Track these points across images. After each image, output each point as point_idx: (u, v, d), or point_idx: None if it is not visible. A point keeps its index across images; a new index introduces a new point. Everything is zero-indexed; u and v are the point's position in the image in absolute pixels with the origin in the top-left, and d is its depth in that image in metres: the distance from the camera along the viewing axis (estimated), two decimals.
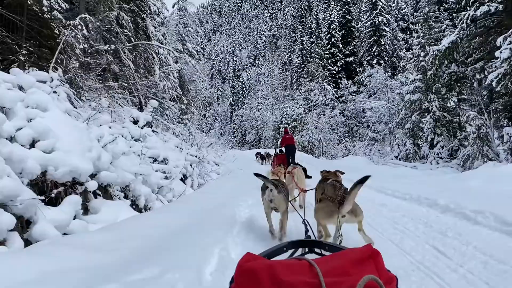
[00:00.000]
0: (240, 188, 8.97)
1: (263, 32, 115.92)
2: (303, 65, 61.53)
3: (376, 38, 51.59)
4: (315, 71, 50.49)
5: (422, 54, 20.06)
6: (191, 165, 11.50)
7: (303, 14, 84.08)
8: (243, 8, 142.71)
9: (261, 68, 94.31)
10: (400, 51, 54.44)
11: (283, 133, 16.40)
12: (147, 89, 15.02)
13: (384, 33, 52.00)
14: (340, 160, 17.58)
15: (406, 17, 59.98)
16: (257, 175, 4.42)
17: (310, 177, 7.84)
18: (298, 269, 1.03)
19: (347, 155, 24.82)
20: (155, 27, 18.25)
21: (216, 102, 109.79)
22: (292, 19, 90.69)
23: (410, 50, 44.24)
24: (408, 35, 57.31)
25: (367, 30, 52.44)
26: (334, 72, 52.83)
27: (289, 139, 15.41)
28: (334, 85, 50.65)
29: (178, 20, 31.73)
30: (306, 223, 3.11)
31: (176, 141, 12.25)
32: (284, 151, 15.50)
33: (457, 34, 16.91)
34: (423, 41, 20.10)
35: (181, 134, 14.80)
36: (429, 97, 19.65)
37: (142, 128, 10.95)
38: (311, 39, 64.94)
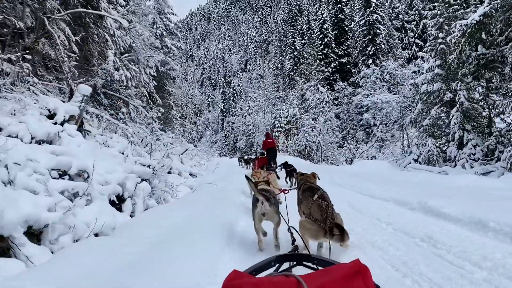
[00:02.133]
0: (190, 228, 5.25)
1: (253, 37, 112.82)
2: (295, 67, 58.38)
3: (370, 37, 48.80)
4: (309, 73, 47.26)
5: (440, 35, 16.47)
6: (143, 180, 7.69)
7: (294, 17, 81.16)
8: (232, 14, 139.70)
9: (252, 73, 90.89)
10: (396, 50, 51.67)
11: (264, 137, 16.21)
12: (92, 78, 11.22)
13: (379, 31, 49.21)
14: (354, 166, 14.02)
15: (400, 16, 57.16)
16: (248, 178, 4.54)
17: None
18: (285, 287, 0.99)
19: (351, 161, 21.17)
20: (113, 4, 14.39)
21: (207, 110, 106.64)
22: (283, 23, 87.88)
23: (423, 35, 41.00)
24: (403, 34, 54.70)
25: (361, 29, 49.63)
26: (328, 73, 49.99)
27: (270, 143, 15.14)
28: (329, 87, 47.65)
29: (155, 10, 28.15)
30: (292, 231, 3.05)
31: (122, 145, 8.42)
32: (266, 154, 15.25)
33: (490, 4, 13.39)
34: (441, 20, 16.55)
35: (133, 136, 10.93)
36: (451, 86, 16.05)
37: (62, 125, 7.17)
38: (303, 41, 62.17)
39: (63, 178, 5.61)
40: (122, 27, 13.00)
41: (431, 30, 17.26)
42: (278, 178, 9.43)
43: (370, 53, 48.52)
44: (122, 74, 13.33)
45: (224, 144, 78.34)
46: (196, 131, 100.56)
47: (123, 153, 8.27)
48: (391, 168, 12.56)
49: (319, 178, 5.27)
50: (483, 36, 14.63)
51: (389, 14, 56.63)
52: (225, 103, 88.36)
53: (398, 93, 21.35)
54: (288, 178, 12.27)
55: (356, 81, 44.74)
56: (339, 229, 3.54)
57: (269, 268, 1.52)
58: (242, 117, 57.58)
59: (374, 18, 48.26)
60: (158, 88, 29.46)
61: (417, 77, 18.32)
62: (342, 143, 32.53)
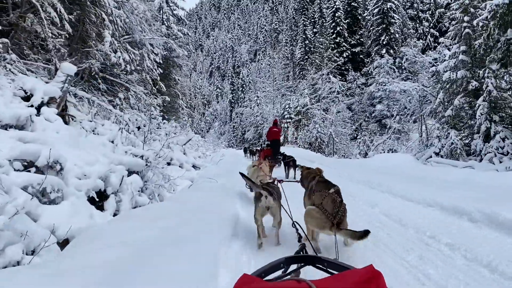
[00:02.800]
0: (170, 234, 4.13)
1: (263, 27, 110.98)
2: (306, 57, 56.97)
3: (384, 26, 47.29)
4: (320, 62, 45.93)
5: (466, 18, 15.17)
6: (133, 173, 6.72)
7: (305, 6, 79.23)
8: (242, 3, 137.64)
9: (261, 64, 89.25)
10: (411, 40, 50.03)
11: (272, 125, 15.73)
12: (87, 60, 10.24)
13: (393, 20, 47.68)
14: (374, 160, 12.76)
15: (415, 5, 55.28)
16: (243, 176, 4.49)
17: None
18: None
19: (365, 154, 20.00)
20: None
21: (215, 100, 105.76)
22: (294, 12, 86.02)
23: (442, 22, 39.62)
24: (418, 24, 52.99)
25: (374, 18, 48.12)
26: (340, 63, 48.63)
27: (275, 133, 14.94)
28: (341, 77, 46.35)
29: None
30: (297, 226, 2.91)
31: (113, 133, 7.45)
32: (270, 146, 15.05)
33: None
34: (467, 2, 15.19)
35: (129, 124, 9.93)
36: (477, 73, 14.81)
37: (39, 108, 6.24)
38: (315, 29, 60.65)
39: (29, 171, 4.65)
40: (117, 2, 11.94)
41: (455, 13, 15.92)
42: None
43: (384, 42, 47.04)
44: (119, 57, 12.32)
45: (232, 136, 77.35)
46: (204, 122, 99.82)
47: (112, 142, 7.31)
48: (416, 162, 11.40)
49: (322, 171, 5.06)
50: None
51: (404, 3, 54.85)
52: (234, 94, 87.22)
53: (418, 81, 20.03)
54: (287, 169, 11.49)
55: (369, 71, 43.43)
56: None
57: (278, 270, 1.48)
58: (250, 108, 56.42)
59: (388, 6, 46.71)
60: (164, 76, 28.47)
61: (438, 65, 17.03)
62: (355, 135, 31.30)
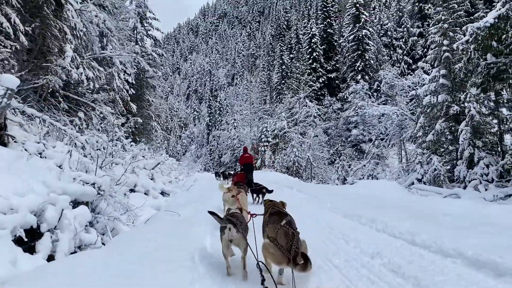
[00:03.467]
0: None
1: (241, 51, 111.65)
2: (283, 81, 57.14)
3: (360, 52, 48.10)
4: (296, 87, 45.90)
5: (445, 42, 14.94)
6: (78, 203, 5.62)
7: (282, 33, 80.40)
8: (220, 28, 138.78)
9: (239, 88, 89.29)
10: (386, 67, 50.92)
11: (242, 152, 16.11)
12: (44, 77, 9.15)
13: (368, 47, 48.63)
14: (356, 187, 11.80)
15: (389, 33, 56.64)
16: (211, 213, 4.40)
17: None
18: None
19: (344, 179, 19.25)
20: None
21: (192, 123, 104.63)
22: (271, 38, 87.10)
23: (424, 44, 40.22)
24: (392, 51, 54.14)
25: (350, 44, 48.95)
26: (316, 88, 48.81)
27: (248, 157, 14.96)
28: (317, 102, 46.38)
29: (136, 13, 26.20)
30: (261, 267, 3.12)
31: (60, 157, 6.35)
32: (243, 170, 14.90)
33: (506, 4, 11.96)
34: (445, 26, 15.01)
35: (85, 146, 8.78)
36: (458, 97, 14.48)
37: None
38: (291, 55, 61.29)
39: None
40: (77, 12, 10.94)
41: (434, 37, 15.71)
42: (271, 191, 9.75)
43: (359, 68, 47.67)
44: (82, 73, 11.26)
45: (209, 159, 75.98)
46: (180, 144, 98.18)
47: (60, 166, 6.21)
48: (402, 191, 10.64)
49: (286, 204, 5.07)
50: (494, 43, 13.14)
51: (378, 31, 56.12)
52: (211, 117, 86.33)
53: (397, 105, 19.68)
54: (256, 197, 10.68)
55: (345, 96, 43.67)
56: (303, 257, 3.48)
57: None
58: (228, 131, 55.57)
59: (364, 33, 47.58)
60: (137, 97, 27.37)
61: (417, 89, 16.69)
62: (333, 159, 30.71)
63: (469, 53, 13.50)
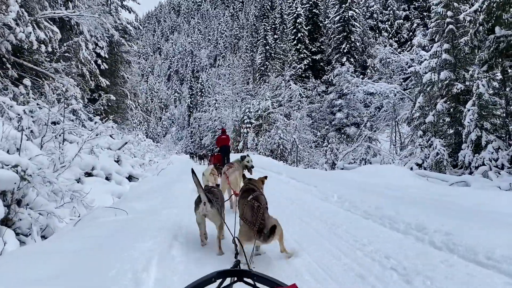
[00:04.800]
0: None
1: (223, 32, 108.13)
2: (266, 63, 55.24)
3: (345, 34, 46.67)
4: (280, 68, 44.13)
5: (449, 13, 13.42)
6: None
7: (266, 13, 77.99)
8: (203, 8, 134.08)
9: (221, 69, 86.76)
10: (371, 49, 49.78)
11: (220, 133, 15.79)
12: None
13: (354, 29, 47.24)
14: (357, 172, 9.98)
15: (375, 15, 55.34)
16: (193, 173, 3.97)
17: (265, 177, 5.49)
18: None
19: (333, 163, 17.73)
20: None
21: (173, 105, 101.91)
22: (254, 19, 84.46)
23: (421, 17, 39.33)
24: (377, 34, 52.93)
25: (335, 26, 47.35)
26: (300, 70, 47.19)
27: (225, 139, 14.88)
28: (301, 84, 44.83)
29: None
30: (236, 242, 3.06)
31: None
32: (220, 152, 15.14)
33: None
34: None
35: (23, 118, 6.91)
36: (462, 75, 13.08)
37: None
38: (275, 36, 59.23)
39: None
40: None
41: (436, 8, 14.14)
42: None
43: (345, 50, 46.28)
44: (31, 33, 9.25)
45: (190, 141, 73.93)
46: (161, 126, 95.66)
47: None
48: (417, 178, 9.05)
49: (266, 178, 4.89)
50: (504, 15, 11.71)
51: (364, 13, 54.65)
52: (192, 99, 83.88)
53: (392, 84, 18.16)
54: None
55: (330, 79, 42.29)
56: (270, 230, 3.40)
57: (209, 284, 1.44)
58: (209, 112, 53.52)
59: (350, 14, 46.02)
60: (110, 73, 25.12)
61: (414, 65, 15.18)
62: (319, 142, 29.28)
63: (477, 25, 12.03)
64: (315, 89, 45.63)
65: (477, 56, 12.15)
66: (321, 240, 4.04)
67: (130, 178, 10.85)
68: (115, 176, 9.16)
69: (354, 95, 40.27)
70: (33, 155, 5.15)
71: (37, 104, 7.41)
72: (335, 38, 47.91)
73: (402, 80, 19.99)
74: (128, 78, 27.79)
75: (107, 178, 8.91)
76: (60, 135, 7.91)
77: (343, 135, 35.49)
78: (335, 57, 47.18)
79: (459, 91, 12.85)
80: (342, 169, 15.61)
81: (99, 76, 18.15)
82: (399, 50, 43.44)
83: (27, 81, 9.29)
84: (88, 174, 8.19)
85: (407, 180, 8.29)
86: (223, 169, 6.55)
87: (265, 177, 4.88)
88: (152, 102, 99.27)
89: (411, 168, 12.19)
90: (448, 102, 13.44)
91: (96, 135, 11.32)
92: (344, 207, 5.47)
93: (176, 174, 11.02)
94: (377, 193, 6.12)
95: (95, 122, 12.16)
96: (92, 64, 17.02)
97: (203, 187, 4.06)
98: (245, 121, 34.99)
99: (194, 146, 67.00)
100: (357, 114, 35.52)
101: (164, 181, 9.06)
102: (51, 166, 6.10)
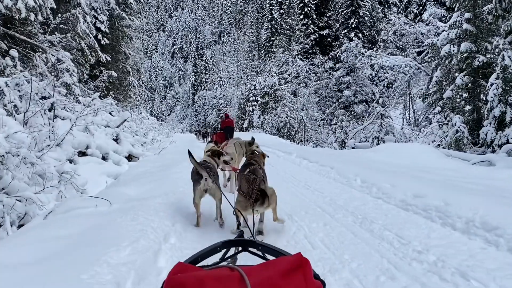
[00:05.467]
0: None
1: (228, 7, 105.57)
2: (272, 38, 53.79)
3: (353, 8, 45.15)
4: (286, 44, 42.87)
5: None
6: None
7: None
8: None
9: (226, 46, 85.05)
10: (380, 24, 48.30)
11: (224, 117, 16.34)
12: None
13: (362, 3, 45.70)
14: (379, 152, 9.07)
15: None
16: (189, 154, 4.14)
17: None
18: (229, 282, 0.98)
19: (342, 142, 16.92)
20: None
21: (177, 83, 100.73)
22: None
23: None
24: (386, 9, 51.24)
25: (343, 0, 45.73)
26: (307, 46, 45.89)
27: (229, 122, 15.24)
28: (308, 60, 43.64)
29: None
30: (237, 213, 3.15)
31: None
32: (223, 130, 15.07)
33: None
34: None
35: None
36: (484, 46, 12.16)
37: None
38: (281, 10, 57.45)
39: None
40: None
41: None
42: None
43: (353, 25, 44.83)
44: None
45: (195, 120, 73.15)
46: (165, 105, 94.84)
47: None
48: (446, 159, 8.27)
49: (268, 156, 5.01)
50: None
51: None
52: (197, 77, 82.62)
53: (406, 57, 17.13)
54: None
55: (337, 55, 41.09)
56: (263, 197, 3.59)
57: (214, 253, 1.50)
58: (213, 90, 52.56)
59: None
60: (112, 48, 24.29)
61: (432, 37, 14.20)
62: (328, 120, 28.40)
63: None
64: (322, 66, 44.51)
65: (502, 26, 11.24)
66: (362, 247, 3.20)
67: (130, 157, 10.22)
68: (112, 156, 8.52)
69: (362, 72, 39.38)
70: (11, 132, 4.50)
71: (24, 76, 6.71)
72: (343, 13, 46.50)
73: (416, 53, 18.95)
74: (130, 54, 26.88)
75: (104, 158, 8.28)
76: (49, 111, 7.24)
77: (351, 112, 34.57)
78: (343, 32, 45.72)
79: (480, 64, 11.95)
80: (353, 148, 14.88)
81: (99, 51, 17.39)
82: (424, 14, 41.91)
83: (14, 52, 8.55)
84: (82, 154, 7.56)
85: (435, 160, 7.51)
86: (221, 145, 6.64)
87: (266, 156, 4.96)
88: (156, 80, 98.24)
89: (428, 145, 11.41)
90: (468, 76, 12.57)
91: (94, 111, 10.67)
92: (372, 193, 4.70)
93: (178, 154, 10.29)
94: (409, 177, 5.31)
95: (93, 99, 11.45)
96: (91, 38, 16.22)
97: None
98: (251, 98, 34.03)
99: (199, 125, 66.32)
100: (368, 90, 34.45)
101: (163, 162, 8.34)
102: (39, 145, 5.48)
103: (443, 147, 11.16)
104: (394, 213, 3.96)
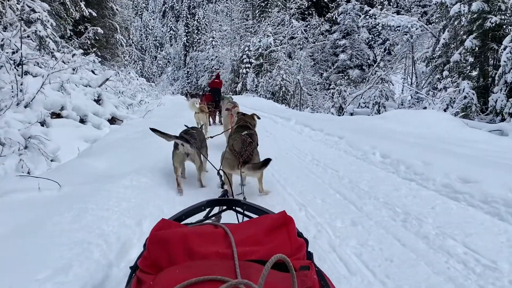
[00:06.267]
0: None
1: None
2: None
3: None
4: (282, 4, 41.00)
5: None
6: None
7: None
8: None
9: (218, 5, 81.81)
10: None
11: (214, 77, 16.00)
12: None
13: None
14: (387, 119, 8.17)
15: None
16: (153, 130, 3.95)
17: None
18: (213, 238, 1.00)
19: (340, 107, 16.08)
20: None
21: (168, 43, 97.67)
22: None
23: None
24: None
25: None
26: (303, 7, 43.99)
27: (217, 83, 14.86)
28: (304, 22, 41.97)
29: None
30: (221, 173, 3.07)
31: None
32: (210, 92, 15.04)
33: None
34: None
35: None
36: (497, 6, 11.28)
37: None
38: None
39: None
40: None
41: None
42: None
43: None
44: None
45: (187, 82, 71.40)
46: (156, 66, 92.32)
47: None
48: (467, 128, 7.45)
49: (259, 118, 4.82)
50: None
51: None
52: (188, 37, 79.89)
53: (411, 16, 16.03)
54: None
55: (334, 17, 39.53)
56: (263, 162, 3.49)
57: (199, 212, 1.50)
58: (205, 51, 50.72)
59: None
60: (97, 3, 22.78)
61: None
62: (325, 85, 27.43)
63: None
64: (318, 28, 42.90)
65: None
66: (424, 271, 2.17)
67: (113, 120, 9.39)
68: (92, 118, 7.68)
69: (359, 35, 38.07)
70: None
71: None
72: None
73: (419, 14, 17.93)
74: (117, 10, 25.27)
75: (82, 121, 7.46)
76: (17, 66, 6.33)
77: (346, 77, 33.59)
78: None
79: (492, 25, 11.08)
80: (351, 114, 14.13)
81: (83, 5, 16.05)
82: None
83: None
84: (57, 116, 6.73)
85: (456, 130, 6.71)
86: (225, 107, 6.89)
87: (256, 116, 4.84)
88: (147, 40, 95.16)
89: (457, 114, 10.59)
90: (477, 39, 11.72)
91: (74, 69, 9.73)
92: (400, 173, 3.82)
93: (165, 118, 9.37)
94: (439, 151, 4.38)
95: (73, 55, 10.44)
96: None
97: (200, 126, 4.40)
98: (244, 60, 32.64)
99: (191, 87, 64.70)
100: (365, 54, 33.32)
101: (146, 127, 7.40)
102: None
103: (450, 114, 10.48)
104: (442, 204, 3.02)
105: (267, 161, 3.38)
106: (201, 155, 4.10)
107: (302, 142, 6.12)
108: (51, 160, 5.10)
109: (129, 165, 4.11)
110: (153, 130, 3.87)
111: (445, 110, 10.46)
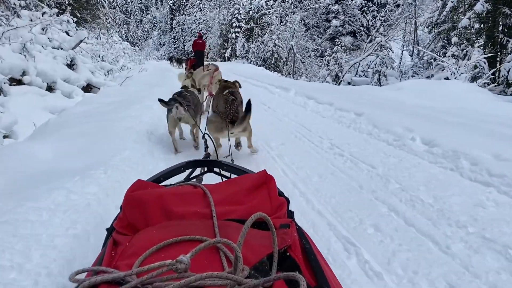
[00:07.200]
0: None
1: None
2: None
3: None
4: None
5: None
6: None
7: None
8: None
9: None
10: None
11: (197, 37, 15.84)
12: None
13: None
14: (402, 91, 7.19)
15: None
16: (160, 100, 4.00)
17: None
18: (191, 199, 0.98)
19: (336, 76, 15.10)
20: None
21: (154, 6, 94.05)
22: None
23: None
24: None
25: None
26: None
27: (200, 44, 14.71)
28: None
29: None
30: (206, 137, 3.15)
31: None
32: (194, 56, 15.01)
33: None
34: None
35: None
36: None
37: None
38: None
39: None
40: None
41: None
42: None
43: None
44: None
45: (173, 48, 68.94)
46: (142, 30, 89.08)
47: None
48: (500, 101, 6.60)
49: (240, 87, 4.37)
50: None
51: None
52: (175, 0, 76.81)
53: None
54: None
55: None
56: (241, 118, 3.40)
57: (178, 173, 1.44)
58: (193, 15, 48.47)
59: None
60: None
61: None
62: (320, 51, 26.20)
63: None
64: None
65: None
66: None
67: (89, 87, 8.35)
68: (61, 85, 6.65)
69: (352, 1, 36.53)
70: None
71: None
72: None
73: None
74: None
75: (50, 88, 6.44)
76: None
77: (337, 45, 32.43)
78: None
79: None
80: (349, 83, 13.22)
81: None
82: None
83: None
84: (17, 82, 5.71)
85: (490, 104, 5.83)
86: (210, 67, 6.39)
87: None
88: (132, 2, 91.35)
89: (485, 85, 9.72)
90: (488, 3, 10.80)
91: (43, 29, 8.58)
92: (465, 173, 2.70)
93: (146, 85, 8.16)
94: (501, 137, 3.30)
95: (44, 13, 9.23)
96: None
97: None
98: (234, 24, 30.93)
99: (178, 53, 62.49)
100: (357, 21, 32.00)
101: (121, 97, 6.21)
102: None
103: None
104: None
105: (248, 108, 3.27)
106: (195, 119, 4.02)
107: (310, 119, 4.99)
108: (4, 137, 4.17)
109: (82, 156, 2.89)
110: (159, 100, 3.98)
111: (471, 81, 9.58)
